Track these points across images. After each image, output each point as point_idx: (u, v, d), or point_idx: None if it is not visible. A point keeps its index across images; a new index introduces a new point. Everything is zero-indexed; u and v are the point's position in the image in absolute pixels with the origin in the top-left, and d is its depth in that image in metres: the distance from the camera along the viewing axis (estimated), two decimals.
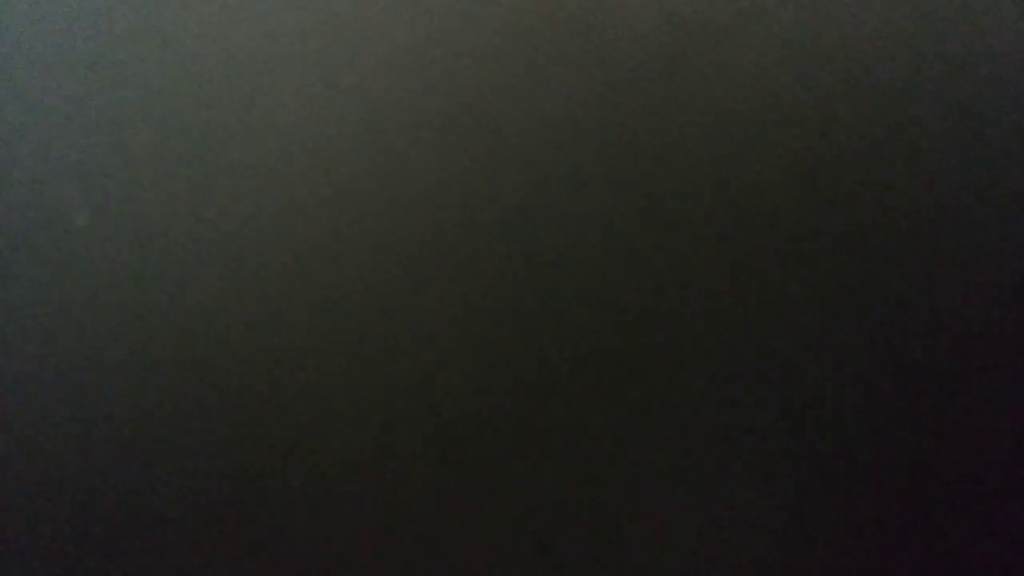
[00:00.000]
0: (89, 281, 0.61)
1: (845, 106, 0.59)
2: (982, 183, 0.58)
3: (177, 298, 0.60)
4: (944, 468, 0.57)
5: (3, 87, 0.63)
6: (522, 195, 0.60)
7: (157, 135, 0.62)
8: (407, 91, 0.61)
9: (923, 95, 0.59)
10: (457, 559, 0.58)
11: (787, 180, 0.59)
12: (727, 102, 0.59)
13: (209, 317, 0.60)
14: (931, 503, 0.57)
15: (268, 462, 0.59)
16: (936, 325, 0.58)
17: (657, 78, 0.60)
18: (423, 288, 0.60)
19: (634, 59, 0.60)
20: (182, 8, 0.63)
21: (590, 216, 0.59)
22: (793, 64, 0.59)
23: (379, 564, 0.58)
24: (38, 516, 0.59)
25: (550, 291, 0.59)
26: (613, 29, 0.60)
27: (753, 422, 0.58)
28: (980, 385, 0.57)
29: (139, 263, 0.61)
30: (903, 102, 0.59)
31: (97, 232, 0.61)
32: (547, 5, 0.61)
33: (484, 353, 0.59)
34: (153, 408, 0.60)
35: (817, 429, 0.58)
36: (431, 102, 0.61)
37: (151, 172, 0.62)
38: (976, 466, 0.57)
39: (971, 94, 0.58)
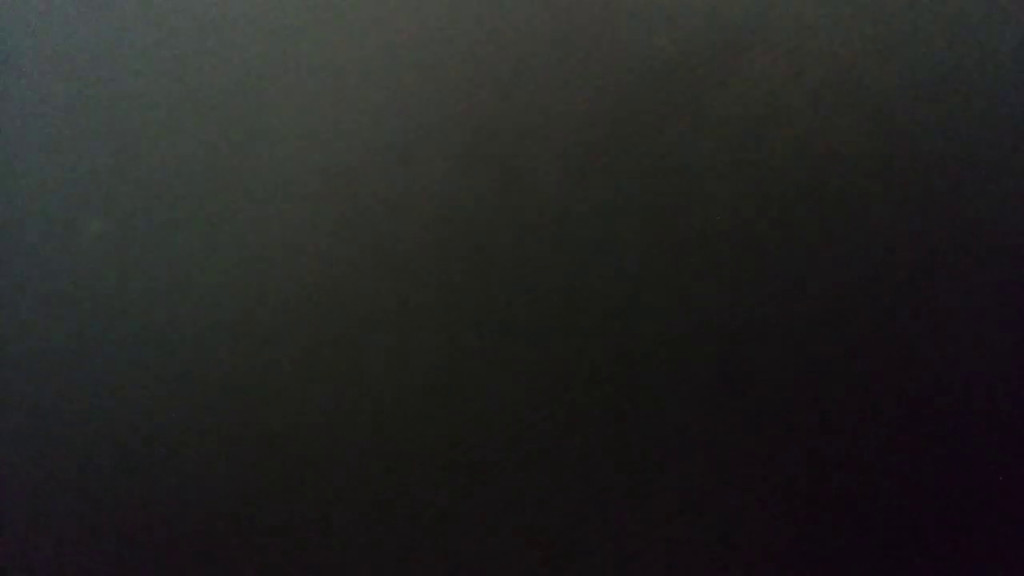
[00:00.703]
0: (99, 289, 0.61)
1: (848, 118, 0.59)
2: (984, 193, 0.58)
3: (187, 306, 0.61)
4: (943, 469, 0.57)
5: (14, 93, 0.63)
6: (529, 204, 0.60)
7: (168, 142, 0.62)
8: (410, 97, 0.61)
9: (923, 106, 0.59)
10: (458, 565, 0.59)
11: (790, 190, 0.59)
12: (732, 112, 0.60)
13: (218, 323, 0.60)
14: (930, 507, 0.57)
15: (274, 466, 0.59)
16: (935, 329, 0.58)
17: (662, 87, 0.60)
18: (429, 293, 0.60)
19: (640, 68, 0.60)
20: (195, 14, 0.63)
21: (591, 224, 0.60)
22: (796, 76, 0.59)
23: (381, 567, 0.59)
24: (39, 518, 0.59)
25: (550, 297, 0.60)
26: (620, 40, 0.60)
27: (756, 427, 0.58)
28: (980, 386, 0.57)
29: (150, 270, 0.61)
30: (907, 114, 0.59)
31: (109, 240, 0.61)
32: (557, 15, 0.61)
33: (486, 359, 0.60)
34: (163, 416, 0.60)
35: (819, 437, 0.58)
36: (440, 111, 0.61)
37: (163, 180, 0.62)
38: (976, 467, 0.57)
39: (971, 104, 0.59)
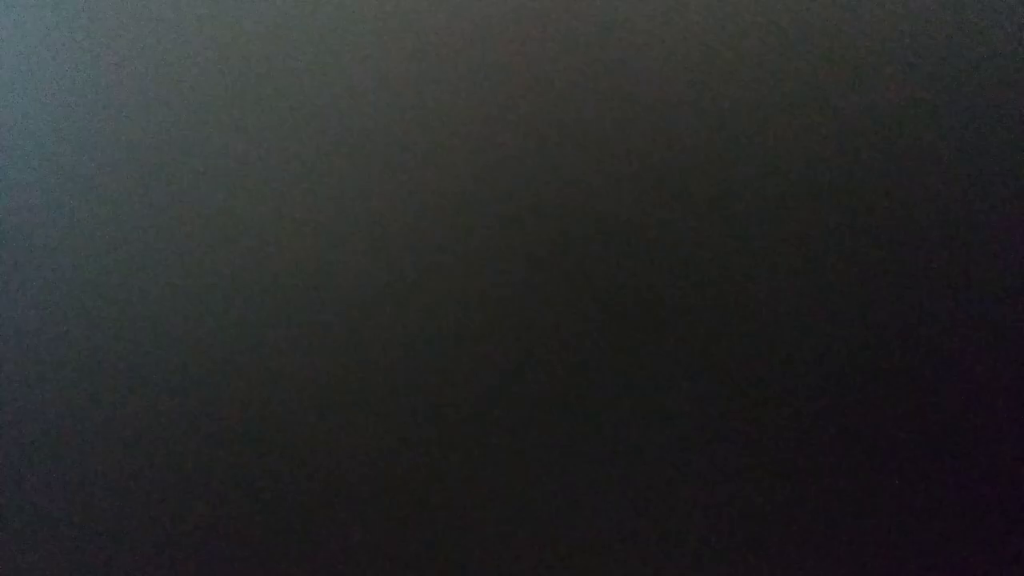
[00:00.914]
0: (99, 289, 0.61)
1: (847, 118, 0.59)
2: (982, 183, 0.58)
3: (188, 305, 0.61)
4: (944, 469, 0.57)
5: (14, 93, 0.63)
6: (529, 199, 0.60)
7: (168, 143, 0.62)
8: (408, 94, 0.62)
9: (924, 106, 0.59)
10: (456, 561, 0.59)
11: (790, 190, 0.59)
12: (732, 112, 0.60)
13: (218, 322, 0.60)
14: (929, 505, 0.57)
15: (274, 465, 0.59)
16: (935, 328, 0.58)
17: (662, 88, 0.60)
18: (429, 293, 0.60)
19: (640, 69, 0.61)
20: (192, 15, 0.63)
21: (594, 218, 0.60)
22: (797, 77, 0.59)
23: (381, 566, 0.59)
24: (40, 518, 0.60)
25: (551, 294, 0.60)
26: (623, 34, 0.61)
27: (756, 427, 0.58)
28: (980, 386, 0.57)
29: (151, 270, 0.61)
30: (911, 107, 0.59)
31: (110, 240, 0.62)
32: (557, 9, 0.61)
33: (482, 354, 0.60)
34: (154, 410, 0.60)
35: (815, 431, 0.58)
36: (440, 111, 0.61)
37: (163, 180, 0.62)
38: (976, 467, 0.57)
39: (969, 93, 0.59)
